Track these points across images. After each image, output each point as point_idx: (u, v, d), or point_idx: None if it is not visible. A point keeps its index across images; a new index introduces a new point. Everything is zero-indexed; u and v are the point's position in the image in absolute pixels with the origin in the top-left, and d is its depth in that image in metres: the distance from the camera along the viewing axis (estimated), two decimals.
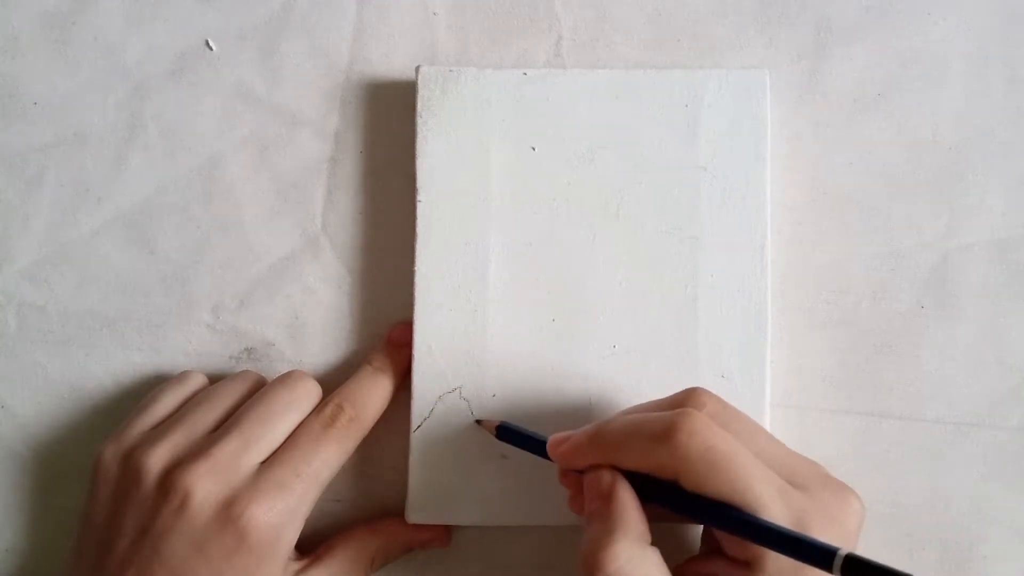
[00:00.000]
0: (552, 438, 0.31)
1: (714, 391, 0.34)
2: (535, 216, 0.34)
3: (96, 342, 0.36)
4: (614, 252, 0.34)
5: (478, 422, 0.34)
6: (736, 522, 0.27)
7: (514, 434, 0.32)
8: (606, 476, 0.28)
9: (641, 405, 0.32)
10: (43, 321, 0.36)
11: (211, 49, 0.37)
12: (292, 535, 0.31)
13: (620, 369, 0.34)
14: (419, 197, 0.34)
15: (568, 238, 0.34)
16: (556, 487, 0.34)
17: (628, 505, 0.28)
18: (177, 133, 0.37)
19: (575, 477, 0.30)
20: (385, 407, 0.34)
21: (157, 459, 0.31)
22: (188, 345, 0.36)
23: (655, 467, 0.28)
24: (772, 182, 0.35)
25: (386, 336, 0.35)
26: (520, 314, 0.34)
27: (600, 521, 0.27)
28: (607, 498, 0.28)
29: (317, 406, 0.33)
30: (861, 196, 0.36)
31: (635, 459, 0.28)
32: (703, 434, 0.27)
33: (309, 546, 0.34)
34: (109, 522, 0.31)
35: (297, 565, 0.32)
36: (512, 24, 0.37)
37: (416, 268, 0.34)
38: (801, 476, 0.29)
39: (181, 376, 0.35)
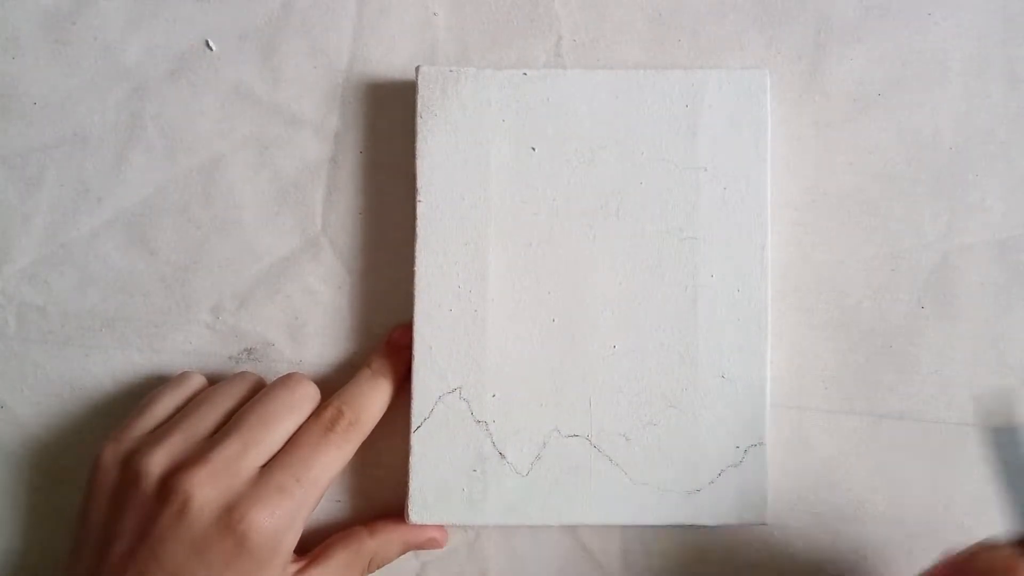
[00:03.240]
0: None
1: (714, 391, 0.34)
2: (535, 216, 0.34)
3: (96, 342, 0.36)
4: (614, 252, 0.34)
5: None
6: None
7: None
8: None
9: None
10: (43, 321, 0.36)
11: (211, 49, 0.37)
12: (292, 540, 0.31)
13: (620, 369, 0.34)
14: (419, 197, 0.34)
15: (568, 238, 0.34)
16: (557, 487, 0.34)
17: None
18: (177, 133, 0.37)
19: None
20: (384, 410, 0.34)
21: (156, 463, 0.31)
22: (188, 345, 0.36)
23: None
24: (772, 182, 0.35)
25: (386, 339, 0.35)
26: (520, 314, 0.34)
27: None
28: None
29: (316, 410, 0.33)
30: (861, 196, 0.36)
31: None
32: None
33: (308, 546, 0.34)
34: (107, 525, 0.31)
35: (294, 567, 0.32)
36: (512, 24, 0.37)
37: (416, 268, 0.34)
38: None
39: (180, 377, 0.35)
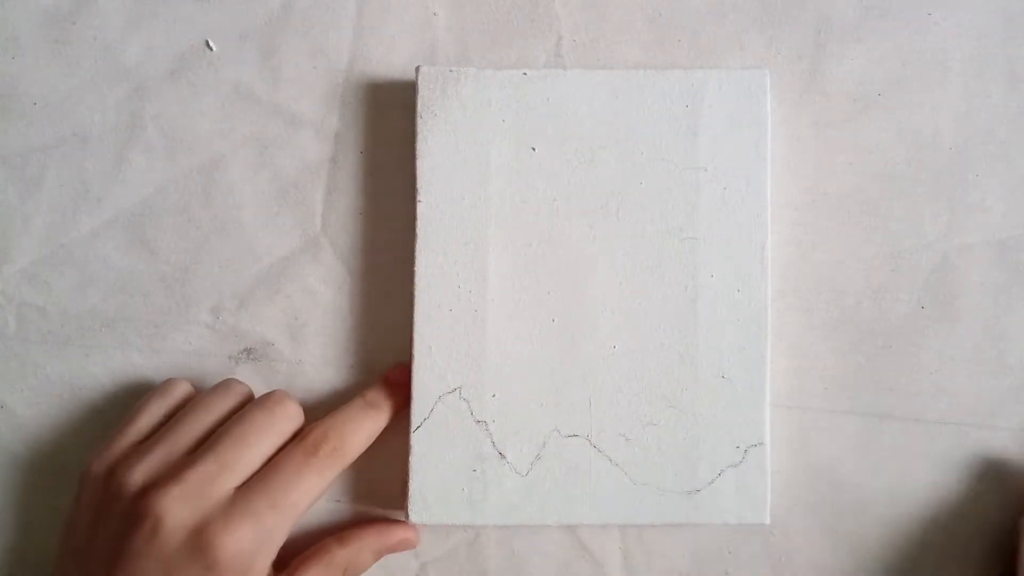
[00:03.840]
0: None
1: (714, 391, 0.34)
2: (535, 216, 0.34)
3: (96, 342, 0.36)
4: (614, 252, 0.34)
5: None
6: None
7: None
8: None
9: None
10: (43, 321, 0.36)
11: (211, 49, 0.37)
12: (263, 563, 0.31)
13: (620, 369, 0.34)
14: (419, 197, 0.34)
15: (568, 238, 0.34)
16: (556, 487, 0.34)
17: None
18: (177, 133, 0.37)
19: None
20: (371, 442, 0.34)
21: (136, 479, 0.30)
22: (188, 345, 0.36)
23: None
24: (772, 182, 0.35)
25: (384, 373, 0.35)
26: (520, 314, 0.34)
27: None
28: None
29: (301, 432, 0.33)
30: (861, 196, 0.36)
31: None
32: None
33: (304, 551, 0.34)
34: (88, 538, 0.31)
35: None
36: (512, 24, 0.37)
37: (416, 268, 0.34)
38: None
39: (166, 385, 0.34)
